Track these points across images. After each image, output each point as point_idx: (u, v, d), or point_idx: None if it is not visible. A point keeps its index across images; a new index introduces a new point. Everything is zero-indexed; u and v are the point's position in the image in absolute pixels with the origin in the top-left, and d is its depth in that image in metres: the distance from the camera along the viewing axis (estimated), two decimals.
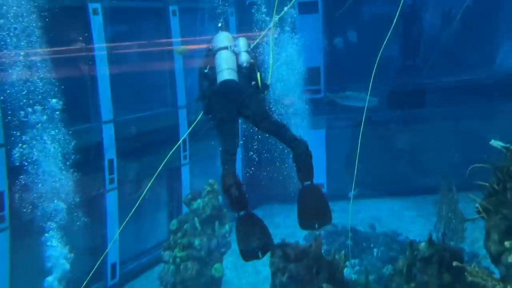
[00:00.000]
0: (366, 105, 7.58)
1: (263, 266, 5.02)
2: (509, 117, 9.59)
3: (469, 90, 10.04)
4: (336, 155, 10.54)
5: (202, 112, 4.19)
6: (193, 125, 5.34)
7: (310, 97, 9.88)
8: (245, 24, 9.87)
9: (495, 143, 4.19)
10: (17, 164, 5.92)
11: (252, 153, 10.14)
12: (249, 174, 10.51)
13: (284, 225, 9.95)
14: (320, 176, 10.88)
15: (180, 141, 7.43)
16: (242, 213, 3.82)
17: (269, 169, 9.56)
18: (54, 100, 6.12)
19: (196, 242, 7.10)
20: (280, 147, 4.35)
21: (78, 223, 6.51)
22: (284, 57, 8.69)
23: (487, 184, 3.82)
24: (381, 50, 5.78)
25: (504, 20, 10.90)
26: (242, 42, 4.17)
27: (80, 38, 7.34)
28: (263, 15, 8.55)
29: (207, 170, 8.90)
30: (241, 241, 3.87)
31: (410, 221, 10.03)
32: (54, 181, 6.19)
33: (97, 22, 7.30)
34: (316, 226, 4.02)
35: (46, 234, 6.17)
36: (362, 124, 6.04)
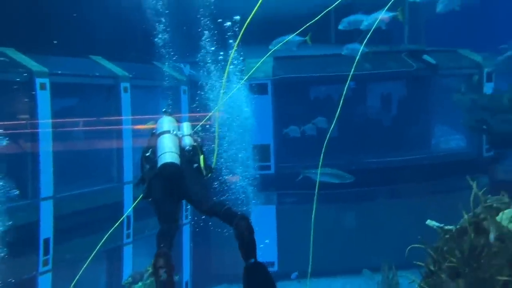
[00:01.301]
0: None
1: None
2: (444, 196, 10.05)
3: (407, 170, 10.56)
4: (287, 231, 10.45)
5: (142, 195, 4.10)
6: (135, 203, 5.20)
7: (260, 173, 9.99)
8: (197, 102, 10.11)
9: (431, 223, 4.30)
10: None
11: (200, 233, 9.86)
12: (197, 255, 10.15)
13: None
14: (271, 254, 10.68)
15: (123, 217, 7.13)
16: None
17: (218, 249, 9.27)
18: None
19: None
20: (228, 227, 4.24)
21: None
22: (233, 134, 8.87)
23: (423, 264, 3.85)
24: (330, 131, 6.05)
25: (436, 107, 11.90)
26: (185, 126, 4.29)
27: (25, 112, 7.20)
28: (214, 95, 8.81)
29: (153, 249, 8.50)
30: None
31: None
32: None
33: (43, 97, 7.23)
34: None
35: None
36: (315, 200, 6.11)
